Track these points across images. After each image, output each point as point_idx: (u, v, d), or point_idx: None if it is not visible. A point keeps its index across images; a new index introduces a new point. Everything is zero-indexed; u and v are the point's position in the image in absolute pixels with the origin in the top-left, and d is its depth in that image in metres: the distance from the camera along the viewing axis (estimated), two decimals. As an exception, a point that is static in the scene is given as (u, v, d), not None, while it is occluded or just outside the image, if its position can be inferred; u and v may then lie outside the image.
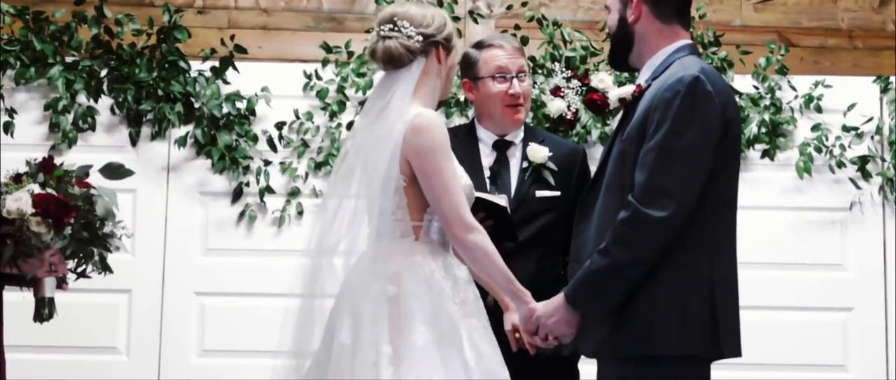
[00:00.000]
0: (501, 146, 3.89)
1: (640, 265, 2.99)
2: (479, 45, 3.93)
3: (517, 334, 3.47)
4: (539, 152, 3.83)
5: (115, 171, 3.84)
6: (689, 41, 3.22)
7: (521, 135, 3.90)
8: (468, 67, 3.90)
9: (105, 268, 3.69)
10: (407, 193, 3.08)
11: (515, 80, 3.83)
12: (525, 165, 3.85)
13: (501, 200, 3.66)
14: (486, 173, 3.83)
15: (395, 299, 3.01)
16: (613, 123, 4.82)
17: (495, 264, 3.09)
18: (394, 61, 3.16)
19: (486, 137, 3.90)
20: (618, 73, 4.78)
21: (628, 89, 3.21)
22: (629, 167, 3.06)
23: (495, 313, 3.47)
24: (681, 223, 2.97)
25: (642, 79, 3.20)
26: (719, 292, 3.03)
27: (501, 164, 3.86)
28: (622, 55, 3.28)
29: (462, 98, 4.92)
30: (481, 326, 3.09)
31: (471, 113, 4.76)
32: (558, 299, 3.11)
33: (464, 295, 3.10)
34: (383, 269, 3.04)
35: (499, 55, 3.85)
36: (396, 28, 3.15)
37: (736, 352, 3.08)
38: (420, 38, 3.15)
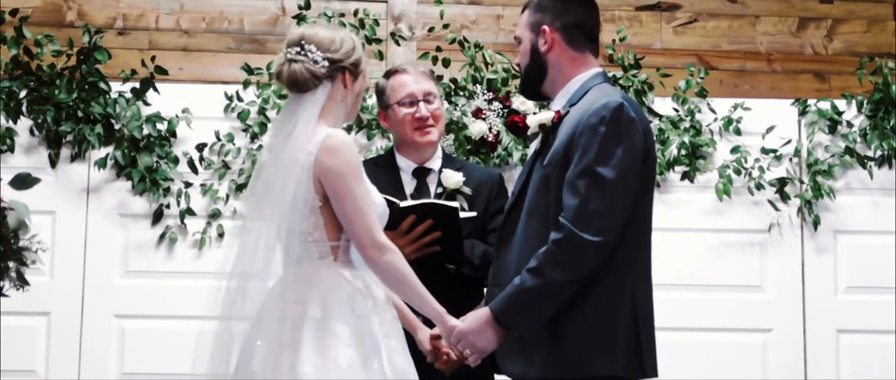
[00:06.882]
0: (421, 174, 3.91)
1: (572, 286, 3.04)
2: (388, 74, 3.96)
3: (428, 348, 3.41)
4: (452, 178, 3.86)
5: (23, 181, 3.84)
6: (601, 69, 3.29)
7: (440, 162, 3.93)
8: (379, 96, 3.94)
9: (23, 282, 3.67)
10: (322, 213, 3.05)
11: (422, 104, 3.85)
12: (440, 190, 3.87)
13: (452, 204, 3.68)
14: (408, 201, 3.83)
15: (320, 321, 2.97)
16: (531, 147, 4.83)
17: (410, 285, 3.07)
18: (298, 86, 3.10)
19: (405, 166, 3.91)
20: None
21: (547, 115, 3.25)
22: (554, 191, 3.11)
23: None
24: (612, 246, 3.03)
25: (558, 105, 3.26)
26: (641, 313, 3.11)
27: (421, 191, 3.88)
28: (535, 85, 3.34)
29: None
30: (400, 347, 3.08)
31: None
32: (482, 314, 3.13)
33: (383, 315, 3.08)
34: (305, 293, 3.01)
35: (405, 81, 3.88)
36: (303, 51, 3.09)
37: (655, 372, 3.14)
38: (326, 63, 3.09)
